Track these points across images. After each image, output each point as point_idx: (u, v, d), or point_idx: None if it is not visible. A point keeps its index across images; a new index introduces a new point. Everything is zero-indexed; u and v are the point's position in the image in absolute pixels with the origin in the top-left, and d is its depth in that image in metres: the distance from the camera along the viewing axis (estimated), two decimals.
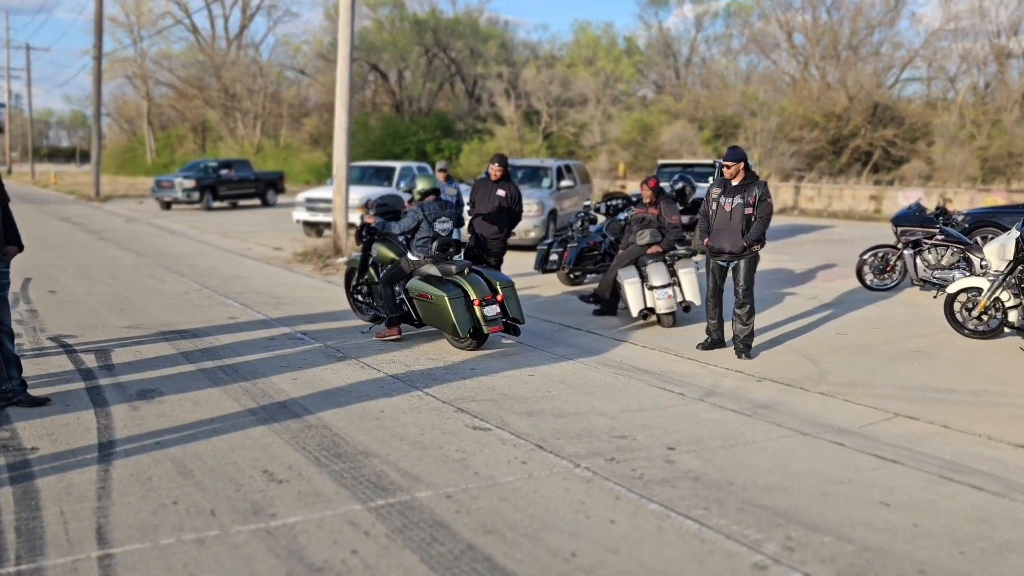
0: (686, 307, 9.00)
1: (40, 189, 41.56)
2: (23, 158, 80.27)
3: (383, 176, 19.92)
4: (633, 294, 8.80)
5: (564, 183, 17.42)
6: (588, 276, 12.27)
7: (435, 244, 7.56)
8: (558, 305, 10.24)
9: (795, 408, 5.96)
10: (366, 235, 8.24)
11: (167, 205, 28.00)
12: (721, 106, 40.81)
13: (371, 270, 8.34)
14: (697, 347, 7.83)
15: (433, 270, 7.55)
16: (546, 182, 17.37)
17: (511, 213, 9.67)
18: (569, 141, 42.29)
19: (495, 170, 9.57)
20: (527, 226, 15.78)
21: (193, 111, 59.89)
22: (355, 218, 10.77)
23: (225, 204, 29.37)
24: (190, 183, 27.58)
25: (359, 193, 17.50)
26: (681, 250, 9.14)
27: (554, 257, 11.58)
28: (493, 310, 7.32)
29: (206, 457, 4.46)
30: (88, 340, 7.33)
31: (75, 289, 10.13)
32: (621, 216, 11.34)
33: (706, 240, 7.70)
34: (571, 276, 11.97)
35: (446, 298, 7.10)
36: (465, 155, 40.21)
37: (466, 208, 9.93)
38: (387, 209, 8.25)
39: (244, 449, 4.62)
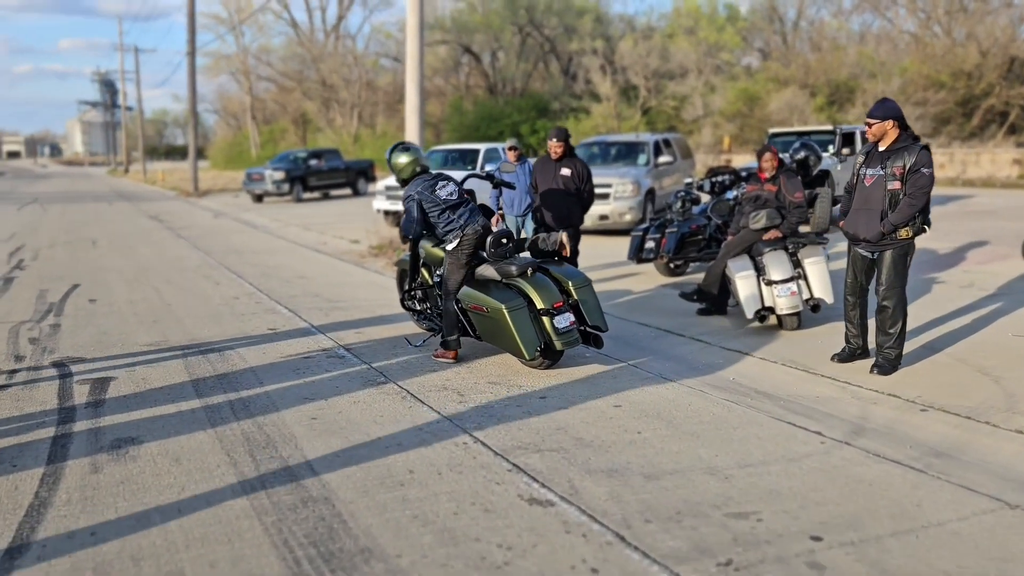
0: (814, 306, 7.28)
1: (148, 186, 42.45)
2: (146, 157, 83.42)
3: (467, 159, 18.62)
4: (747, 290, 7.14)
5: (662, 159, 15.69)
6: (691, 265, 10.62)
7: (488, 239, 6.13)
8: (654, 302, 8.66)
9: (985, 456, 4.27)
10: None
11: (259, 198, 27.66)
12: (834, 70, 37.71)
13: (423, 271, 6.99)
14: (832, 359, 6.15)
15: (490, 271, 6.13)
16: (642, 159, 15.69)
17: (580, 196, 8.21)
18: (669, 116, 40.08)
19: (554, 146, 8.12)
20: (621, 208, 14.19)
21: (293, 104, 60.51)
22: None
23: (316, 195, 28.86)
24: (280, 175, 27.14)
25: None
26: (806, 233, 7.42)
27: (650, 244, 10.00)
28: (566, 319, 5.84)
29: (145, 561, 3.19)
30: (96, 364, 6.28)
31: (118, 297, 9.23)
32: (730, 195, 9.63)
33: (842, 222, 5.99)
34: (670, 266, 10.35)
35: (504, 310, 5.66)
36: None
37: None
38: None
39: (204, 543, 3.33)
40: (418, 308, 7.05)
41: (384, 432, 4.66)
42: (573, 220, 8.20)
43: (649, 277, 10.20)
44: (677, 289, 9.42)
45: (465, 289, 6.09)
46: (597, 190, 14.32)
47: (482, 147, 18.52)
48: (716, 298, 7.82)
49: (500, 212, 8.78)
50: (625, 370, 6.05)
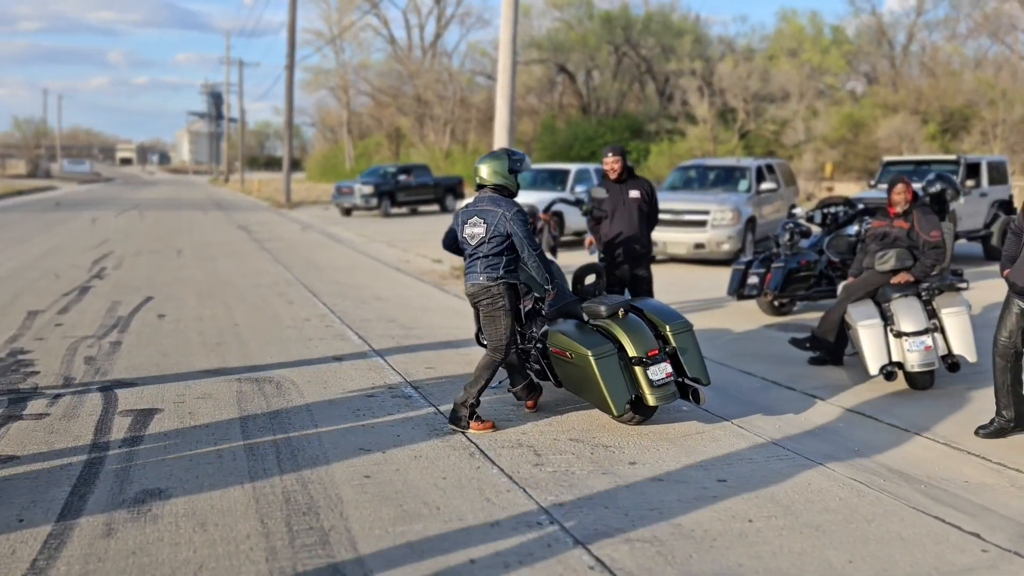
0: (952, 365, 6.26)
1: (244, 196, 43.45)
2: (248, 167, 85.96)
3: (557, 180, 17.96)
4: (871, 342, 6.20)
5: (765, 186, 14.68)
6: (797, 304, 9.64)
7: (576, 273, 5.41)
8: (758, 346, 7.77)
9: None
10: None
11: (347, 211, 27.67)
12: (948, 96, 35.64)
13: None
14: (977, 432, 5.17)
15: (577, 309, 5.40)
16: (743, 184, 14.71)
17: (650, 222, 7.25)
18: (768, 140, 38.61)
19: (613, 163, 7.08)
20: (719, 237, 13.26)
21: (388, 119, 61.26)
22: None
23: (404, 210, 28.72)
24: (368, 189, 27.08)
25: (528, 199, 15.63)
26: (944, 278, 6.43)
27: (754, 279, 9.10)
28: (662, 370, 5.05)
29: None
30: (146, 390, 5.83)
31: (188, 313, 8.88)
32: (851, 230, 8.65)
33: (1006, 271, 5.03)
34: (775, 304, 9.40)
35: (591, 357, 4.91)
36: (654, 157, 37.64)
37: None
38: None
39: None
40: None
41: (445, 502, 3.97)
42: (647, 252, 7.26)
43: (751, 315, 9.28)
44: (781, 330, 8.49)
45: (548, 331, 5.37)
46: (693, 216, 13.47)
47: (572, 168, 17.85)
48: (832, 346, 6.89)
49: (591, 239, 8.06)
50: (729, 431, 5.22)
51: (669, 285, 11.64)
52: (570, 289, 5.66)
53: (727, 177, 15.17)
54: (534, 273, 5.20)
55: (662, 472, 4.45)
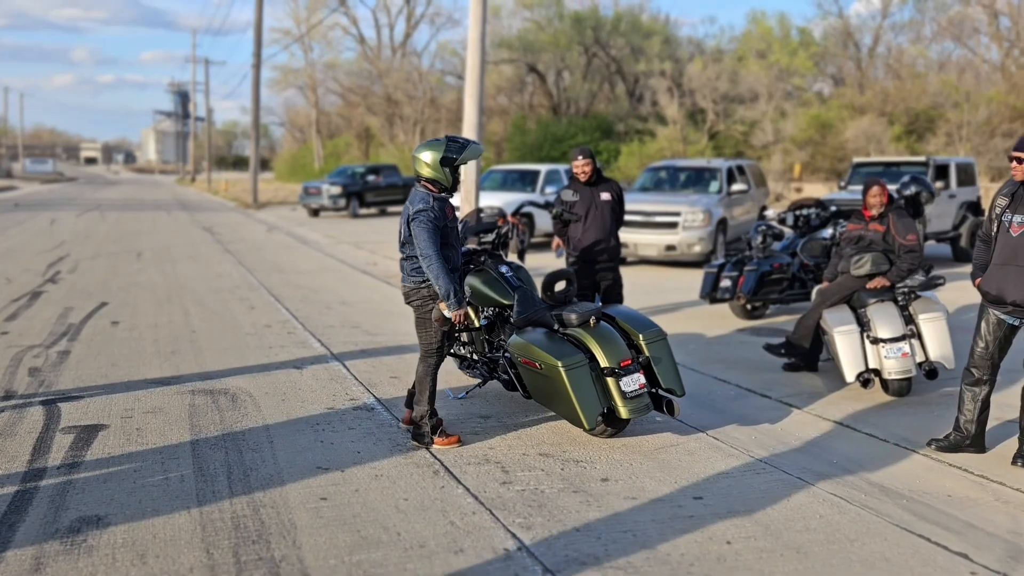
0: (930, 371, 6.14)
1: (211, 196, 42.74)
2: (216, 167, 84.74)
3: (527, 180, 17.77)
4: (848, 348, 6.05)
5: (736, 187, 14.60)
6: (770, 307, 9.52)
7: (546, 279, 5.20)
8: (732, 351, 7.61)
9: None
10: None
11: (315, 212, 27.28)
12: (914, 98, 35.96)
13: (469, 311, 6.06)
14: (929, 444, 5.01)
15: (547, 317, 5.18)
16: (714, 186, 14.61)
17: (617, 225, 7.16)
18: (737, 141, 38.73)
19: (584, 166, 6.90)
20: (690, 239, 13.14)
21: (357, 119, 60.69)
22: None
23: (373, 211, 28.36)
24: (336, 189, 26.71)
25: (497, 200, 15.42)
26: (918, 278, 6.30)
27: (726, 283, 8.96)
28: (635, 381, 4.85)
29: None
30: (92, 404, 5.53)
31: (143, 319, 8.54)
32: (825, 233, 8.54)
33: (977, 280, 4.89)
34: (748, 307, 9.27)
35: (560, 368, 4.70)
36: (624, 157, 37.60)
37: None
38: (482, 227, 5.98)
39: None
40: (461, 353, 6.13)
41: (406, 527, 3.73)
42: (618, 255, 7.17)
43: (723, 319, 9.13)
44: (755, 334, 8.35)
45: (514, 338, 5.15)
46: (664, 218, 13.34)
47: (543, 168, 17.66)
48: (807, 352, 6.74)
49: (558, 242, 7.85)
50: (704, 443, 5.03)
51: (640, 287, 11.48)
52: (539, 296, 5.44)
53: (698, 178, 15.07)
54: (434, 284, 4.68)
55: (636, 489, 4.25)
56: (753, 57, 41.34)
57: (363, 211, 27.52)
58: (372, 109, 58.51)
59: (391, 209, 28.94)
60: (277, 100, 73.30)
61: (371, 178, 28.05)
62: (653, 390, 5.02)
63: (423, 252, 4.68)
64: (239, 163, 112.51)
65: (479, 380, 5.84)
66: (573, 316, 4.99)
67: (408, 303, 4.99)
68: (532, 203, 6.53)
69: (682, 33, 50.06)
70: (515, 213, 6.21)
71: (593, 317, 4.98)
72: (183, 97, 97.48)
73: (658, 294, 10.81)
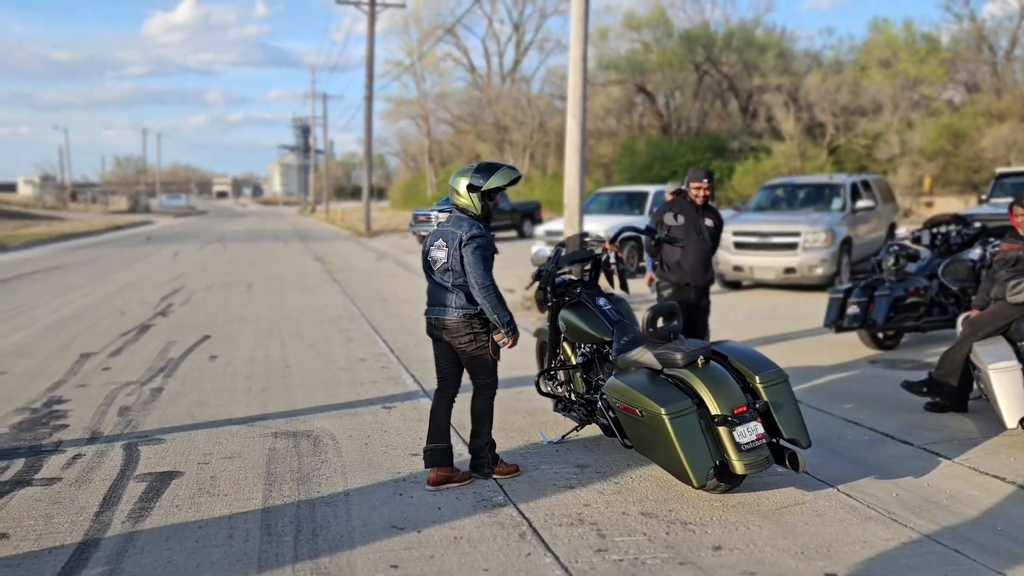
0: None
1: (327, 226, 43.98)
2: (335, 197, 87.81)
3: (635, 203, 17.16)
4: (1007, 388, 5.21)
5: (861, 203, 13.56)
6: (904, 336, 8.60)
7: (648, 314, 4.64)
8: (862, 387, 6.80)
9: None
10: (550, 293, 5.49)
11: (424, 239, 27.41)
12: None
13: (565, 346, 5.57)
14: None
15: (647, 357, 4.61)
16: (837, 203, 13.61)
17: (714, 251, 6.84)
18: (860, 155, 36.78)
19: (705, 188, 6.55)
20: (811, 260, 12.22)
21: (468, 146, 61.51)
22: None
23: None
24: (444, 216, 26.68)
25: (604, 224, 14.90)
26: None
27: (854, 309, 8.13)
28: (752, 431, 4.22)
29: None
30: (173, 447, 5.34)
31: (241, 353, 8.45)
32: (971, 253, 7.61)
33: None
34: (880, 336, 8.39)
35: (664, 416, 4.13)
36: (738, 176, 36.33)
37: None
38: (578, 256, 5.48)
39: None
40: (558, 393, 5.63)
41: None
42: (712, 281, 6.84)
43: (852, 350, 8.28)
44: (889, 367, 7.49)
45: (612, 380, 4.61)
46: (782, 238, 12.49)
47: (651, 189, 17.01)
48: (954, 390, 5.90)
49: (651, 274, 7.27)
50: (835, 502, 4.34)
51: (756, 314, 10.70)
52: (640, 331, 4.89)
53: (818, 195, 14.10)
54: (488, 314, 4.43)
55: (754, 561, 3.63)
56: (876, 66, 39.28)
57: None
58: (482, 136, 59.18)
59: (499, 235, 28.80)
60: (391, 131, 75.47)
61: None
62: (773, 440, 4.37)
63: (480, 282, 4.37)
64: (356, 193, 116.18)
65: (576, 424, 5.33)
66: (678, 355, 4.41)
67: (453, 338, 4.57)
68: (631, 228, 5.97)
69: (798, 46, 48.14)
70: (614, 240, 5.69)
71: (701, 356, 4.39)
72: (304, 131, 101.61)
73: (776, 322, 10.00)
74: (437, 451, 4.56)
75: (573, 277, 5.58)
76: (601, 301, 5.28)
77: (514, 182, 4.54)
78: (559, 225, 15.83)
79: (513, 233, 28.75)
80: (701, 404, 4.26)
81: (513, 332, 4.50)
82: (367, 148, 35.52)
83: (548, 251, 5.62)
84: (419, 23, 58.95)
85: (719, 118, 46.24)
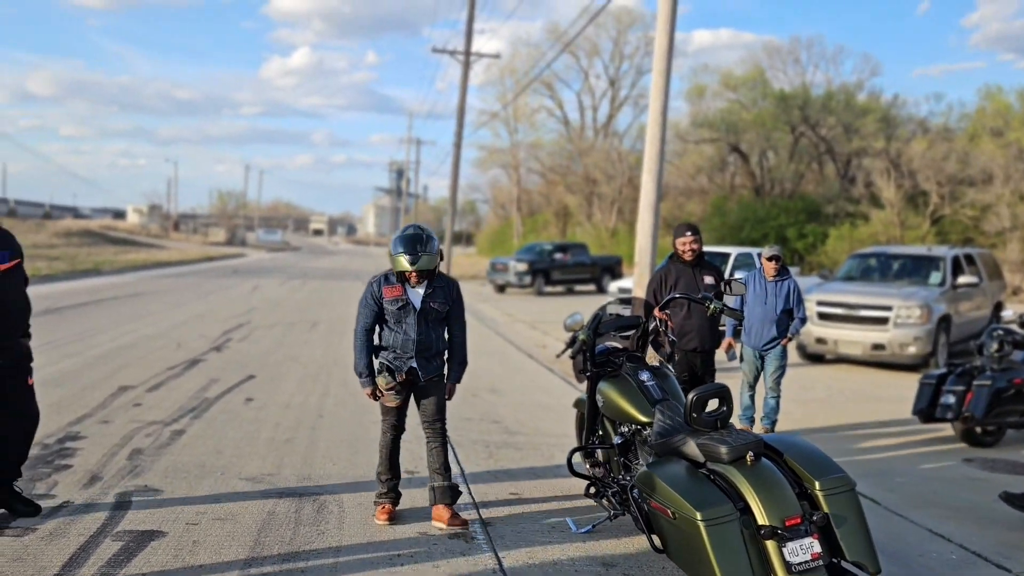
0: None
1: None
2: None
3: (716, 264, 16.34)
4: None
5: (963, 279, 12.49)
6: (1006, 433, 7.63)
7: (691, 397, 4.00)
8: (954, 493, 5.92)
9: None
10: (589, 363, 4.89)
11: (501, 288, 27.21)
12: None
13: (606, 422, 4.95)
14: None
15: (688, 447, 3.96)
16: (935, 277, 12.57)
17: None
18: (966, 227, 34.82)
19: (689, 243, 6.14)
20: (903, 337, 11.24)
21: (557, 197, 61.55)
22: None
23: (560, 289, 27.82)
24: (523, 266, 26.50)
25: None
26: None
27: (949, 399, 7.27)
28: (806, 549, 3.50)
29: None
30: (164, 504, 4.93)
31: (279, 398, 8.11)
32: None
33: None
34: (977, 432, 7.44)
35: (700, 522, 3.47)
36: (832, 241, 34.85)
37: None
38: (623, 322, 4.88)
39: None
40: (591, 475, 5.00)
41: None
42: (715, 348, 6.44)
43: (943, 445, 7.36)
44: (987, 469, 6.57)
45: (644, 473, 3.96)
46: (871, 312, 11.55)
47: (733, 251, 16.19)
48: None
49: (729, 341, 6.58)
50: None
51: (838, 393, 9.82)
52: (683, 417, 4.24)
53: (915, 267, 13.08)
54: None
55: None
56: (987, 135, 37.39)
57: (549, 289, 27.03)
58: (571, 188, 59.11)
59: (578, 288, 28.25)
60: (483, 178, 76.31)
61: (558, 256, 27.61)
62: (834, 561, 3.64)
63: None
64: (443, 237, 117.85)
65: (609, 513, 4.69)
66: (723, 449, 3.75)
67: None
68: (685, 296, 5.35)
69: (903, 112, 46.43)
70: (664, 307, 5.09)
71: (751, 452, 3.72)
72: (399, 175, 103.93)
73: (859, 404, 9.10)
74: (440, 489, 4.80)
75: (616, 345, 4.98)
76: (644, 375, 4.66)
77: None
78: (627, 283, 15.21)
79: (592, 287, 28.16)
80: (746, 510, 3.59)
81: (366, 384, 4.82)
82: (452, 194, 35.75)
83: (582, 317, 5.06)
84: (514, 74, 59.66)
85: (815, 181, 44.80)
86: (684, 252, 6.17)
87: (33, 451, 5.78)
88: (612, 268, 29.05)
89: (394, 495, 4.86)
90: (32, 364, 4.61)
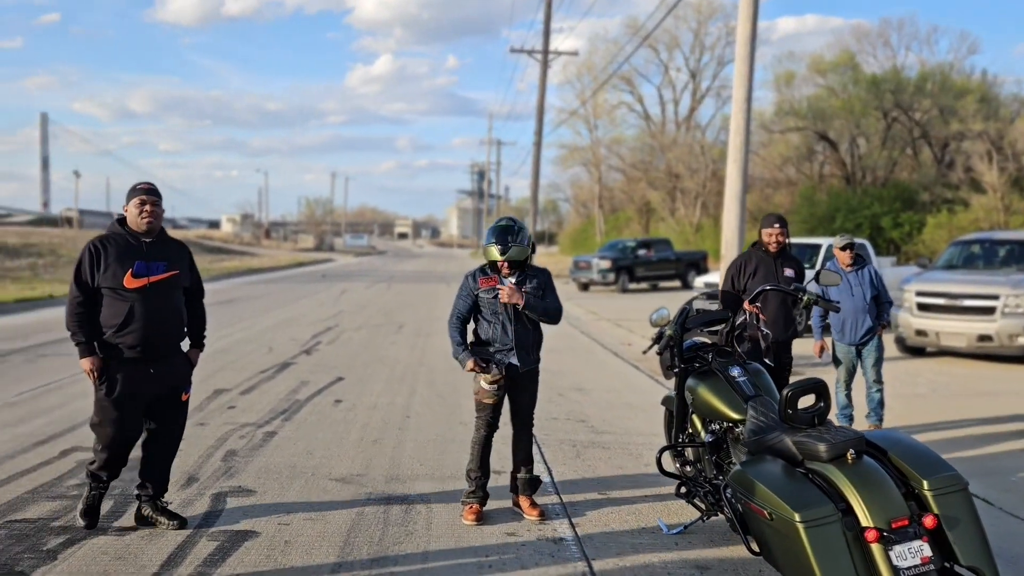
0: None
1: None
2: None
3: (806, 256, 15.82)
4: None
5: None
6: None
7: (785, 393, 3.82)
8: None
9: None
10: (677, 359, 4.74)
11: (584, 287, 27.09)
12: None
13: (694, 420, 4.80)
14: None
15: (784, 445, 3.78)
16: None
17: None
18: None
19: (776, 235, 5.98)
20: (1012, 327, 10.64)
21: (639, 193, 60.89)
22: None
23: (644, 285, 27.49)
24: (606, 264, 26.28)
25: None
26: None
27: None
28: (915, 553, 3.29)
29: None
30: (258, 504, 5.03)
31: (367, 399, 8.21)
32: None
33: None
34: None
35: (799, 523, 3.30)
36: (930, 229, 33.35)
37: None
38: (710, 317, 4.71)
39: None
40: (683, 473, 4.86)
41: None
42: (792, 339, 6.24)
43: None
44: None
45: (738, 472, 3.81)
46: (976, 302, 10.96)
47: (824, 242, 15.65)
48: None
49: (822, 344, 6.30)
50: None
51: (941, 388, 9.35)
52: (777, 414, 4.05)
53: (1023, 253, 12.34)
54: None
55: None
56: None
57: (633, 286, 26.75)
58: (653, 184, 58.34)
59: (663, 284, 27.86)
60: (564, 177, 76.16)
61: (642, 252, 27.27)
62: (947, 565, 3.42)
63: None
64: None
65: (701, 514, 4.54)
66: (822, 446, 3.56)
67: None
68: (775, 287, 5.14)
69: (1004, 91, 44.05)
70: (753, 300, 4.90)
71: (852, 450, 3.52)
72: (480, 176, 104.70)
73: (966, 399, 8.63)
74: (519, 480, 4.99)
75: (704, 340, 4.83)
76: (735, 371, 4.49)
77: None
78: (714, 277, 14.87)
79: (677, 283, 27.72)
80: (849, 511, 3.40)
81: (465, 359, 4.79)
82: (533, 193, 35.76)
83: (668, 312, 4.92)
84: (592, 70, 59.23)
85: (909, 167, 43.00)
86: (769, 243, 6.02)
87: (135, 453, 5.99)
88: (697, 263, 28.53)
89: (482, 494, 4.83)
90: (191, 379, 4.63)
